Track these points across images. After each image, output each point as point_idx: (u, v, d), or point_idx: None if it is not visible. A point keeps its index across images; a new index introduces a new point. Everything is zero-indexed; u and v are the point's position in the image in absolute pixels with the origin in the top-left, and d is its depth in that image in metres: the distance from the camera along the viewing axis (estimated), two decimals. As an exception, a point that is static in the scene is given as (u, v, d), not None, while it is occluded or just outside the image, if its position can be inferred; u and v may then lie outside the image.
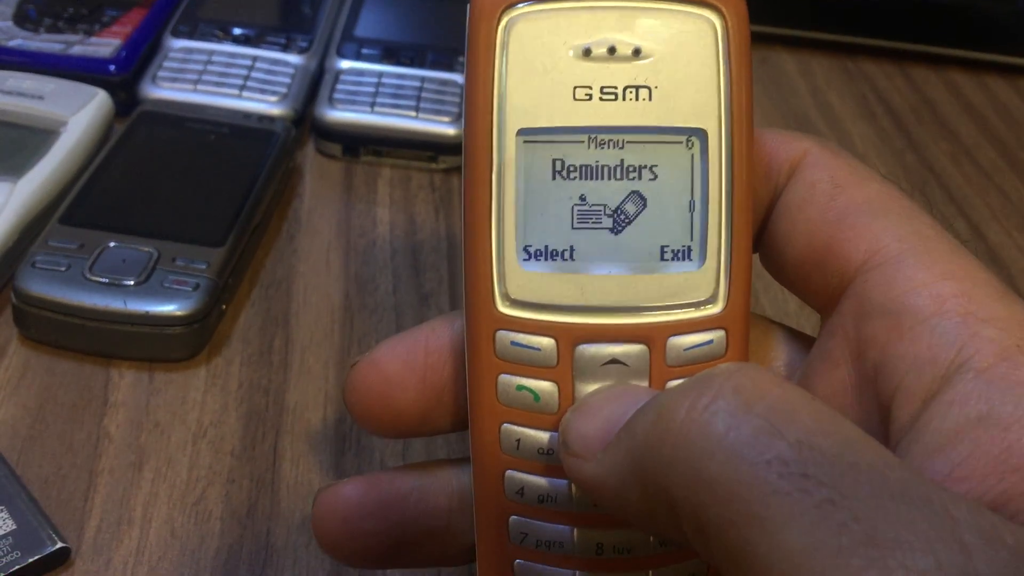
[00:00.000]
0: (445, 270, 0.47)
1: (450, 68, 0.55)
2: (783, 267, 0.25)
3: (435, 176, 0.53)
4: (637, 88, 0.23)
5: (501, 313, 0.23)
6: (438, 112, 0.52)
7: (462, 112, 0.24)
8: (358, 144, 0.53)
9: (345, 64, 0.55)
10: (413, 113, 0.52)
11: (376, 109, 0.52)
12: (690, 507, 0.18)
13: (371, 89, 0.53)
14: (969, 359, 0.21)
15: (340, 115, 0.52)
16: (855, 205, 0.24)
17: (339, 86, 0.54)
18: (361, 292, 0.45)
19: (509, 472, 0.24)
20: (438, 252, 0.48)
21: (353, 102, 0.53)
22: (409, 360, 0.26)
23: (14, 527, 0.33)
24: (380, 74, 0.54)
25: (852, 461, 0.18)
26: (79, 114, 0.48)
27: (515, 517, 0.24)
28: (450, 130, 0.52)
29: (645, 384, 0.23)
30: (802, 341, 0.27)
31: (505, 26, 0.23)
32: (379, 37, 0.57)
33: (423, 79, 0.54)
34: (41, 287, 0.40)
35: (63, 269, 0.40)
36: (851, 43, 0.67)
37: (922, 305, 0.22)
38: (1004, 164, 0.58)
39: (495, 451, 0.24)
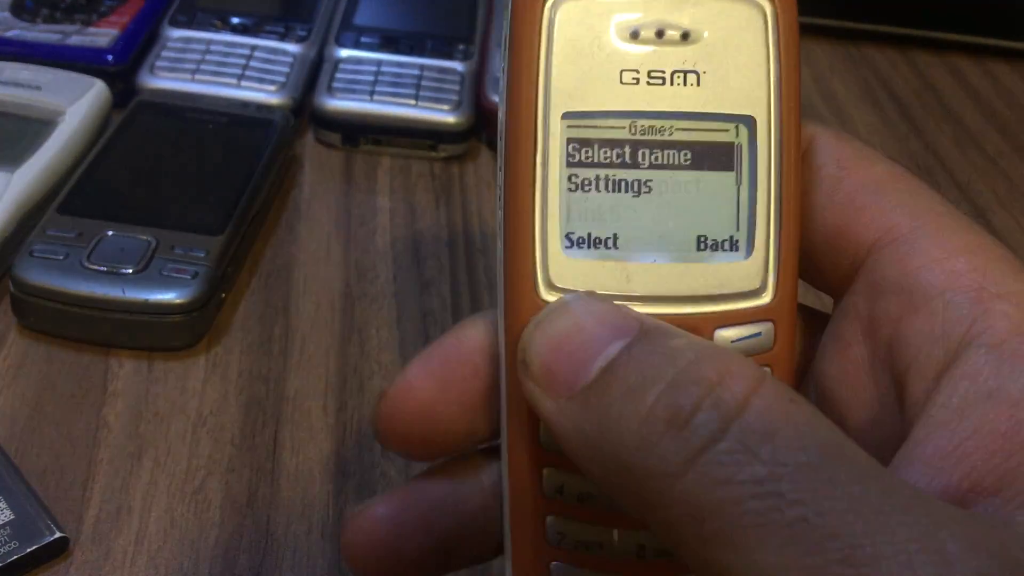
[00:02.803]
0: (445, 258, 0.46)
1: (449, 56, 0.55)
2: None
3: (435, 164, 0.52)
4: (685, 73, 0.22)
5: (544, 301, 0.22)
6: (437, 100, 0.52)
7: (499, 95, 0.23)
8: (357, 133, 0.52)
9: (344, 53, 0.55)
10: (412, 101, 0.52)
11: (375, 98, 0.52)
12: (663, 519, 0.18)
13: (370, 78, 0.53)
14: (981, 334, 0.21)
15: (339, 104, 0.52)
16: (863, 185, 0.24)
17: (338, 75, 0.53)
18: (361, 280, 0.45)
19: (547, 469, 0.23)
20: (438, 240, 0.47)
21: (352, 91, 0.52)
22: (445, 376, 0.24)
23: (12, 517, 0.33)
24: (379, 62, 0.54)
25: (829, 475, 0.17)
26: (77, 104, 0.48)
27: (552, 517, 0.24)
28: (450, 118, 0.52)
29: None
30: (820, 322, 0.26)
31: (551, 7, 0.22)
32: (378, 25, 0.57)
33: (422, 67, 0.54)
34: (39, 276, 0.40)
35: (61, 258, 0.40)
36: (854, 29, 0.66)
37: (935, 281, 0.22)
38: (1008, 149, 0.58)
39: (533, 447, 0.23)
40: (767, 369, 0.23)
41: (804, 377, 0.25)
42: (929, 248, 0.22)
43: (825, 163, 0.24)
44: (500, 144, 0.23)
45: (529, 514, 0.24)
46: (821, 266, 0.24)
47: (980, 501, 0.19)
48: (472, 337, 0.25)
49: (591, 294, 0.22)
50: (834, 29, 0.66)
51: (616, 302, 0.22)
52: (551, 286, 0.22)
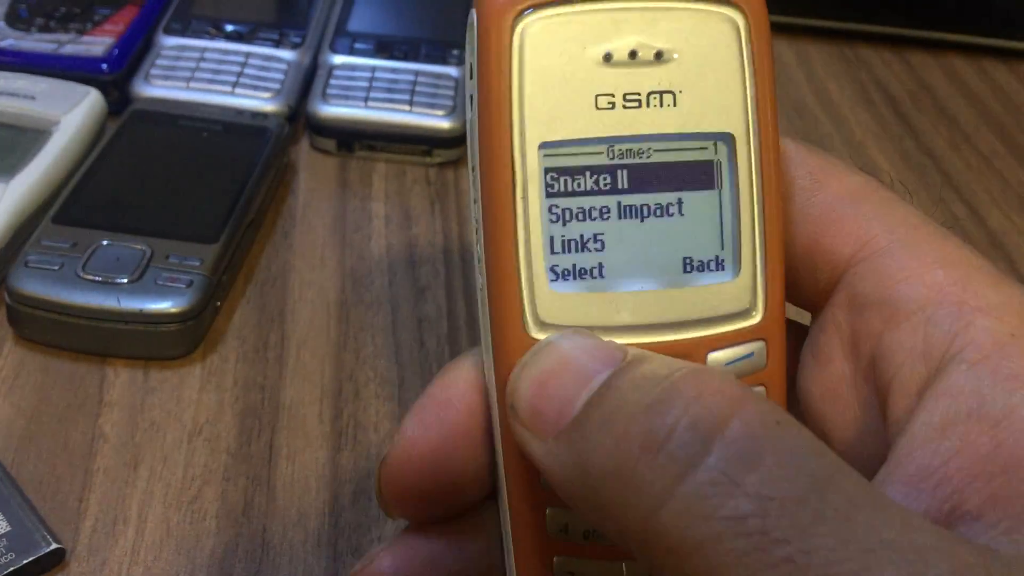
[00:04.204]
0: (441, 264, 0.46)
1: (444, 62, 0.55)
2: None
3: (430, 170, 0.52)
4: (661, 93, 0.22)
5: (534, 339, 0.22)
6: (432, 106, 0.52)
7: (468, 127, 0.23)
8: (352, 139, 0.52)
9: (338, 59, 0.55)
10: (407, 107, 0.52)
11: (370, 104, 0.52)
12: (646, 553, 0.18)
13: (365, 84, 0.53)
14: (962, 350, 0.21)
15: (334, 110, 0.52)
16: (837, 198, 0.23)
17: (332, 81, 0.53)
18: (357, 287, 0.45)
19: (551, 509, 0.23)
20: (434, 246, 0.47)
21: (347, 97, 0.52)
22: (446, 425, 0.24)
23: (8, 528, 0.33)
24: (373, 68, 0.54)
25: (816, 508, 0.17)
26: (71, 113, 0.48)
27: (559, 557, 0.23)
28: (444, 124, 0.52)
29: None
30: (800, 336, 0.26)
31: (520, 34, 0.21)
32: (372, 31, 0.57)
33: (417, 73, 0.54)
34: (35, 286, 0.40)
35: (56, 268, 0.40)
36: (848, 30, 0.66)
37: (915, 295, 0.22)
38: (1003, 149, 0.58)
39: (534, 488, 0.23)
40: (761, 388, 0.23)
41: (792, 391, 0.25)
42: (908, 261, 0.22)
43: (798, 175, 0.24)
44: (473, 177, 0.23)
45: (535, 556, 0.23)
46: (798, 280, 0.24)
47: (962, 524, 0.19)
48: (462, 379, 0.24)
49: (576, 330, 0.21)
50: (829, 30, 0.66)
51: (605, 337, 0.21)
52: (540, 323, 0.22)
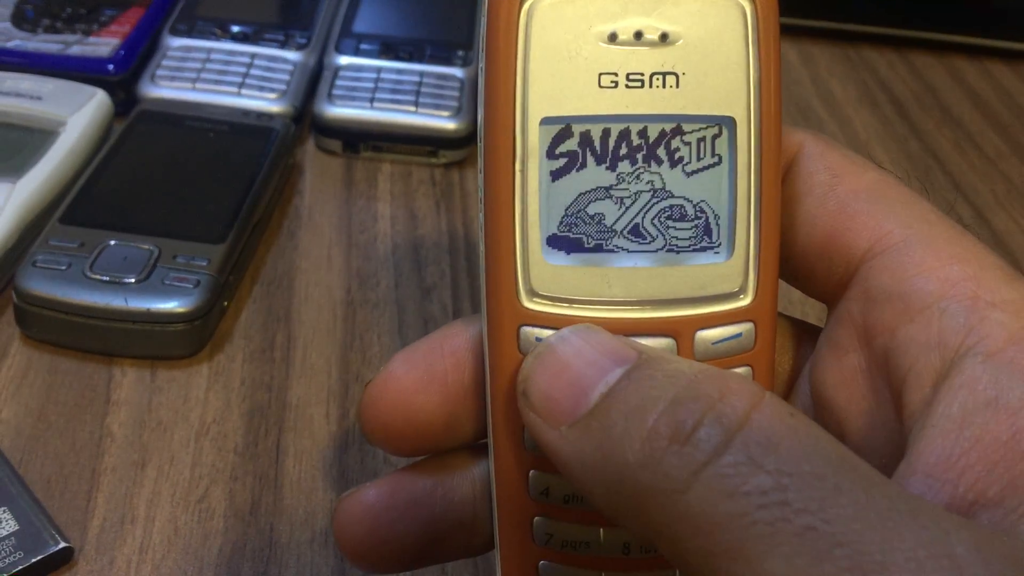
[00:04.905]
0: (447, 264, 0.47)
1: (449, 62, 0.55)
2: (785, 261, 0.25)
3: (435, 171, 0.52)
4: (664, 75, 0.22)
5: (526, 308, 0.22)
6: (437, 107, 0.52)
7: (478, 101, 0.23)
8: (358, 140, 0.52)
9: (344, 60, 0.55)
10: (412, 108, 0.52)
11: (375, 105, 0.52)
12: (669, 536, 0.18)
13: (370, 85, 0.53)
14: (978, 343, 0.21)
15: (339, 111, 0.52)
16: (855, 193, 0.24)
17: (338, 82, 0.53)
18: (363, 287, 0.45)
19: (533, 472, 0.24)
20: (439, 247, 0.48)
21: (352, 98, 0.52)
22: (429, 367, 0.25)
23: (17, 527, 0.33)
24: (379, 69, 0.54)
25: (834, 483, 0.17)
26: (78, 114, 0.48)
27: (539, 518, 0.24)
28: (450, 124, 0.52)
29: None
30: (808, 332, 0.26)
31: (527, 10, 0.22)
32: (377, 32, 0.57)
33: (422, 74, 0.54)
34: (42, 286, 0.40)
35: (64, 268, 0.40)
36: (852, 31, 0.66)
37: (930, 289, 0.22)
38: (1008, 150, 0.58)
39: (518, 451, 0.24)
40: (748, 368, 0.23)
41: (799, 383, 0.26)
42: (923, 256, 0.22)
43: (816, 170, 0.24)
44: (480, 148, 0.23)
45: (516, 515, 0.24)
46: (814, 273, 0.24)
47: (983, 511, 0.19)
48: (458, 334, 0.25)
49: (589, 326, 0.22)
50: (833, 31, 0.66)
51: (594, 311, 0.22)
52: (533, 293, 0.23)
